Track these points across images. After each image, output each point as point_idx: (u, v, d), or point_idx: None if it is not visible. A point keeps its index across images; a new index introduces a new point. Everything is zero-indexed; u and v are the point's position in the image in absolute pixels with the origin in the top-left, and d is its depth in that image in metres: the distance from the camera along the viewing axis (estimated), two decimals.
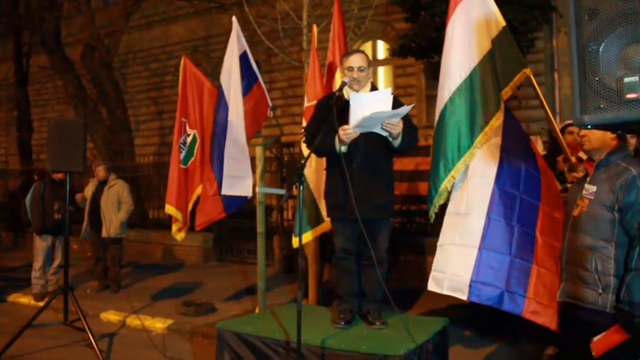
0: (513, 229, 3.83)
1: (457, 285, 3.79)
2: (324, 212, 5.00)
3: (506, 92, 4.01)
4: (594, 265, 3.13)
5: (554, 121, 4.18)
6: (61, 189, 7.54)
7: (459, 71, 4.04)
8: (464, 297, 3.78)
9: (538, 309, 3.67)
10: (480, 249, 3.78)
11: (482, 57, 4.01)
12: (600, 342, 2.95)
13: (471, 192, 3.93)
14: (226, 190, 5.57)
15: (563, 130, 4.83)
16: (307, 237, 5.09)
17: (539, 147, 7.30)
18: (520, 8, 8.59)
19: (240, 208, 5.87)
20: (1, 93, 22.34)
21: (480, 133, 3.95)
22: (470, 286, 3.75)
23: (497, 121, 3.96)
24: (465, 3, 4.09)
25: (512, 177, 3.99)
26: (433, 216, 4.07)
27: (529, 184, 4.00)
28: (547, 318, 3.66)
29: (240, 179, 5.53)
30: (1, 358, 5.09)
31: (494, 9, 4.08)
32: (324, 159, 4.16)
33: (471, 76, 4.01)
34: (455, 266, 3.83)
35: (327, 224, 5.00)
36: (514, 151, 4.06)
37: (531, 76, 4.04)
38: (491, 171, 3.96)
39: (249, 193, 5.59)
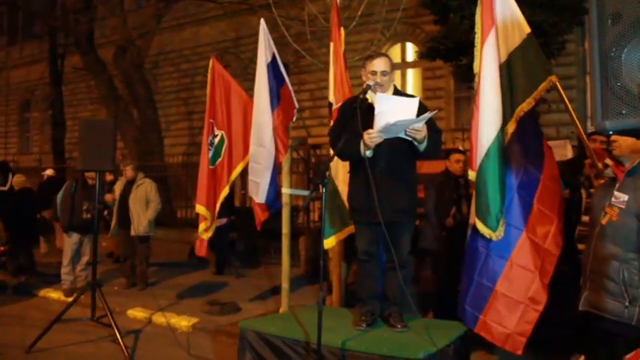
0: (488, 254, 4.09)
1: None
2: None
3: (529, 102, 3.99)
4: (622, 276, 3.08)
5: (580, 126, 4.11)
6: (93, 190, 7.65)
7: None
8: None
9: (491, 329, 4.05)
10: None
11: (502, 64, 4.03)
12: (633, 358, 2.89)
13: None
14: (250, 193, 5.85)
15: (588, 137, 4.75)
16: (331, 242, 5.12)
17: (568, 151, 7.19)
18: (551, 10, 8.44)
19: (277, 208, 5.94)
20: (37, 93, 22.90)
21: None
22: None
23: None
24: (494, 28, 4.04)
25: None
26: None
27: (516, 211, 4.10)
28: (501, 338, 4.01)
29: (256, 184, 5.75)
30: (31, 350, 5.23)
31: (520, 16, 4.06)
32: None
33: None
34: None
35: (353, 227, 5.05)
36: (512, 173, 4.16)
37: (557, 83, 3.99)
38: None
39: (257, 198, 5.78)
